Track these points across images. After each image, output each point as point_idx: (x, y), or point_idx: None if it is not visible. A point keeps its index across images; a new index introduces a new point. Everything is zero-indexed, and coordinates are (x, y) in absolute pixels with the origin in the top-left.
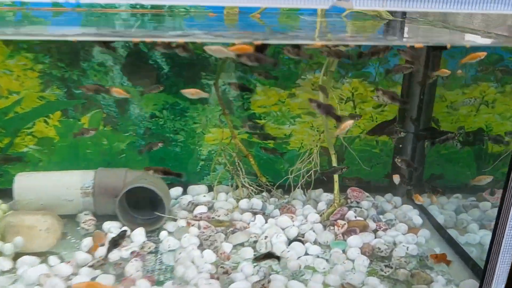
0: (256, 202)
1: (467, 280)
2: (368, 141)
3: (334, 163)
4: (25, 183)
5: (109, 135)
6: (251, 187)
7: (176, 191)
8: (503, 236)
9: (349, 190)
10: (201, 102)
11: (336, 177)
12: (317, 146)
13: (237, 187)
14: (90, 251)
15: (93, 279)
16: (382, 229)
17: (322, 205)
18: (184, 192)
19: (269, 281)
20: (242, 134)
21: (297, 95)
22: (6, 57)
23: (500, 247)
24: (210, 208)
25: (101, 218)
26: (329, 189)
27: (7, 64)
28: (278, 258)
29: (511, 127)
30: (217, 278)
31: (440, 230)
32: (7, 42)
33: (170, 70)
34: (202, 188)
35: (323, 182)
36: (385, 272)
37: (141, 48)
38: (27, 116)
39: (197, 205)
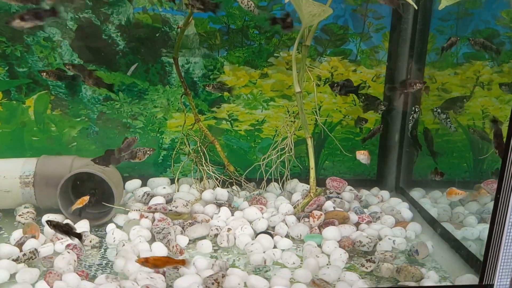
0: (221, 193)
1: (465, 275)
2: (351, 127)
3: (311, 147)
4: None
5: (58, 120)
6: (218, 178)
7: (134, 184)
8: (503, 227)
9: (328, 180)
10: (161, 83)
11: (312, 162)
12: (293, 133)
13: (202, 179)
14: (18, 244)
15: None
16: (365, 221)
17: (297, 196)
18: (144, 184)
19: (223, 276)
20: (209, 120)
21: (270, 75)
22: None
23: (502, 239)
24: (170, 201)
25: (43, 212)
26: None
27: None
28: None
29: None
30: (163, 273)
31: (433, 224)
32: None
33: (126, 46)
34: (164, 181)
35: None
36: (367, 268)
37: (93, 20)
38: None
39: (153, 196)
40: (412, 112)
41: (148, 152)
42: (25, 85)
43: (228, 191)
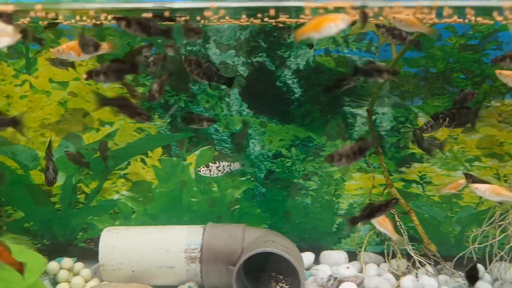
0: (429, 283)
1: None
2: None
3: None
4: (114, 241)
5: (220, 179)
6: (416, 258)
7: (306, 258)
8: None
9: None
10: (341, 137)
11: None
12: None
13: (393, 256)
14: None
15: None
16: None
17: None
18: (317, 260)
19: None
20: (396, 182)
21: (477, 129)
22: None
23: None
24: (360, 285)
25: None
26: None
27: (101, 87)
28: None
29: None
30: None
31: None
32: None
33: (303, 95)
34: (341, 255)
35: None
36: None
37: (267, 65)
38: (120, 154)
39: (340, 281)
40: None
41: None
42: (187, 140)
43: (431, 276)
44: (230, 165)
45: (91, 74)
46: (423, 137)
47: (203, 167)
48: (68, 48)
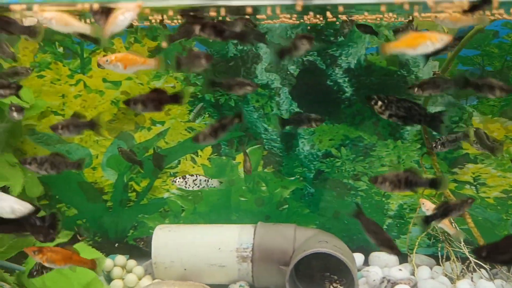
0: (486, 286)
1: None
2: None
3: None
4: (166, 239)
5: (269, 179)
6: (473, 260)
7: (356, 259)
8: None
9: None
10: (392, 137)
11: None
12: None
13: (447, 258)
14: None
15: None
16: None
17: None
18: (366, 261)
19: None
20: (449, 183)
21: None
22: (152, 77)
23: None
24: None
25: None
26: None
27: (153, 86)
28: None
29: None
30: None
31: None
32: None
33: (354, 94)
34: (391, 256)
35: None
36: None
37: (317, 64)
38: (171, 152)
39: (394, 283)
40: None
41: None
42: (236, 139)
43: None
44: (208, 180)
45: (129, 103)
46: (486, 135)
47: (180, 178)
48: (116, 59)
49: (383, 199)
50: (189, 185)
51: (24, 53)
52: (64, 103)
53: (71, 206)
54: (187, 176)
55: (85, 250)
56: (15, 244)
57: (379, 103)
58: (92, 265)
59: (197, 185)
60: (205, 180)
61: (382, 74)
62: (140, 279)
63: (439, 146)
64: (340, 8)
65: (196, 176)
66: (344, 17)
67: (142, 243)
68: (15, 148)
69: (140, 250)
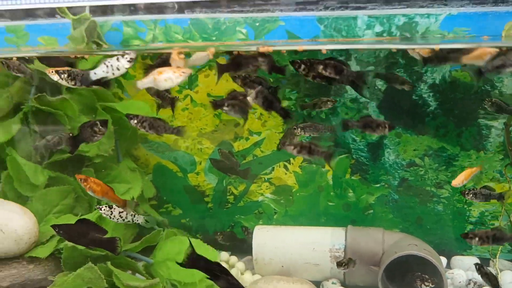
0: None
1: None
2: None
3: None
4: (265, 239)
5: (356, 185)
6: None
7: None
8: None
9: None
10: (475, 148)
11: None
12: None
13: None
14: None
15: None
16: None
17: None
18: (447, 265)
19: None
20: None
21: None
22: None
23: None
24: None
25: None
26: None
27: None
28: None
29: None
30: None
31: None
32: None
33: (438, 108)
34: (473, 260)
35: None
36: None
37: (405, 78)
38: (266, 160)
39: (480, 285)
40: None
41: None
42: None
43: None
44: (134, 216)
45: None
46: None
47: (106, 206)
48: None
49: (465, 206)
50: (114, 216)
51: None
52: (173, 115)
53: (177, 207)
54: (115, 206)
55: (200, 246)
56: (145, 240)
57: (302, 66)
58: (123, 204)
59: (122, 218)
60: (131, 215)
61: (466, 89)
62: (242, 274)
63: None
64: None
65: (124, 210)
66: None
67: (221, 236)
68: (130, 154)
69: (235, 247)
